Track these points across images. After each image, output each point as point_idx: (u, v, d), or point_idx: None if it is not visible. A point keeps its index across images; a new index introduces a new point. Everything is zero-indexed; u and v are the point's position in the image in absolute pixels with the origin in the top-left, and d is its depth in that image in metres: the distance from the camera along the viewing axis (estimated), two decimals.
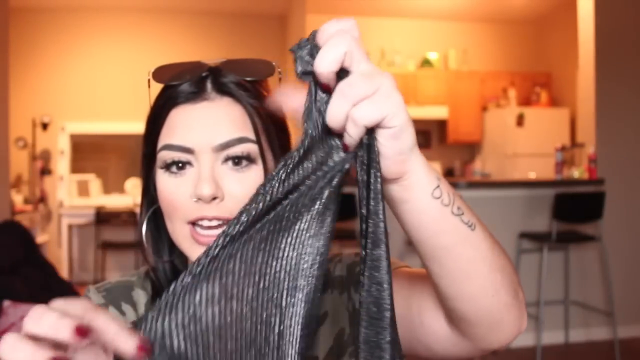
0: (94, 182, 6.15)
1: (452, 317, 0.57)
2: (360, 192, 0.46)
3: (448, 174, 6.52)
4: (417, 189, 0.50)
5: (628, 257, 3.92)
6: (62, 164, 6.10)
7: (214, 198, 0.61)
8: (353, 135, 0.43)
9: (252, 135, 0.63)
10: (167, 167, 0.63)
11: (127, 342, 0.39)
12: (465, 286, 0.52)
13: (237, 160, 0.62)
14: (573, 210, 3.47)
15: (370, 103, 0.42)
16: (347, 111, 0.42)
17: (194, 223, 0.63)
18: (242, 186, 0.62)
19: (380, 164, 0.46)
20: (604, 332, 3.84)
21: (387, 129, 0.44)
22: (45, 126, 5.97)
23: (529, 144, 5.95)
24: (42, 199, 5.81)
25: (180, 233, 0.64)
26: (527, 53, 6.79)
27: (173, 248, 0.70)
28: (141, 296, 0.73)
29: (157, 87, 0.68)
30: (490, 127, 6.34)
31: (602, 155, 3.88)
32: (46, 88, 6.04)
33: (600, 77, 3.92)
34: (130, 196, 5.94)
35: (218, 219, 0.62)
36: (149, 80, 0.68)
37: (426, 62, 6.39)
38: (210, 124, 0.62)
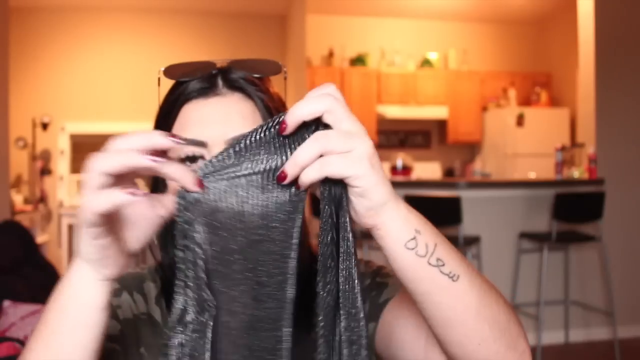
0: None
1: (447, 356, 0.59)
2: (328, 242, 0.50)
3: (448, 174, 6.53)
4: (389, 239, 0.52)
5: (628, 257, 3.92)
6: (62, 164, 6.10)
7: None
8: (310, 177, 0.47)
9: None
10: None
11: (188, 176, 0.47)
12: (449, 332, 0.54)
13: None
14: (573, 210, 3.47)
15: (339, 158, 0.47)
16: (314, 156, 0.47)
17: None
18: None
19: (352, 213, 0.51)
20: (604, 332, 3.84)
21: (353, 187, 0.48)
22: (45, 126, 5.97)
23: (529, 144, 5.95)
24: (42, 199, 5.81)
25: None
26: (527, 53, 6.79)
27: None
28: (152, 288, 0.74)
29: (165, 87, 0.69)
30: (490, 127, 6.34)
31: (602, 155, 3.88)
32: (46, 88, 6.04)
33: (600, 77, 3.92)
34: None
35: None
36: (159, 79, 0.68)
37: (426, 62, 6.39)
38: (222, 119, 0.64)
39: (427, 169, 6.18)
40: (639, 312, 3.93)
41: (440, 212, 3.43)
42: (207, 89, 0.65)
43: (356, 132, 0.48)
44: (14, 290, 2.60)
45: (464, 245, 3.36)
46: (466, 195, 3.55)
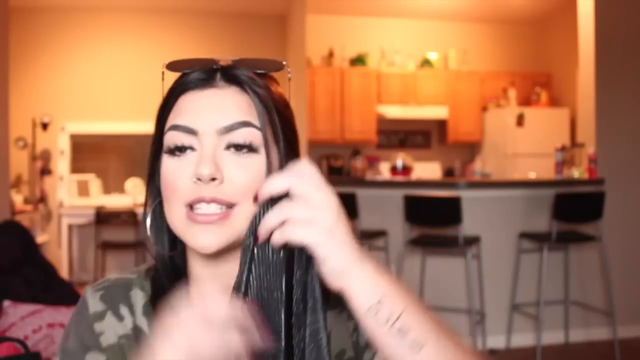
0: (94, 182, 6.15)
1: None
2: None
3: (448, 174, 6.53)
4: (353, 303, 0.54)
5: (628, 257, 3.92)
6: (62, 164, 6.10)
7: (213, 179, 0.62)
8: (275, 239, 0.53)
9: (256, 122, 0.64)
10: (171, 151, 0.65)
11: None
12: None
13: (238, 147, 0.63)
14: (573, 210, 3.46)
15: (298, 227, 0.52)
16: (277, 222, 0.53)
17: (191, 207, 0.63)
18: (242, 172, 0.63)
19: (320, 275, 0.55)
20: (604, 332, 3.84)
21: (315, 253, 0.53)
22: (45, 126, 5.96)
23: (529, 144, 5.95)
24: (42, 199, 5.81)
25: (176, 215, 0.64)
26: (527, 53, 6.79)
27: (174, 240, 0.71)
28: (139, 297, 0.71)
29: (169, 82, 0.70)
30: (490, 127, 6.34)
31: (602, 155, 3.88)
32: (46, 88, 6.04)
33: (600, 77, 3.92)
34: (130, 196, 5.94)
35: (216, 201, 0.62)
36: (163, 73, 0.69)
37: (426, 62, 6.39)
38: (215, 108, 0.64)
39: (427, 169, 6.18)
40: (639, 312, 3.93)
41: (440, 212, 3.43)
42: (205, 81, 0.66)
43: (320, 203, 0.53)
44: (14, 290, 2.60)
45: (464, 245, 3.36)
46: (466, 195, 3.54)
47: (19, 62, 5.68)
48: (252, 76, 0.66)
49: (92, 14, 6.10)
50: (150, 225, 0.70)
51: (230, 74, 0.66)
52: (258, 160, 0.64)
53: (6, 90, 3.78)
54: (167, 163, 0.65)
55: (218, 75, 0.66)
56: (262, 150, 0.64)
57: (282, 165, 0.66)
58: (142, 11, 6.18)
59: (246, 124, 0.64)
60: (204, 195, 0.62)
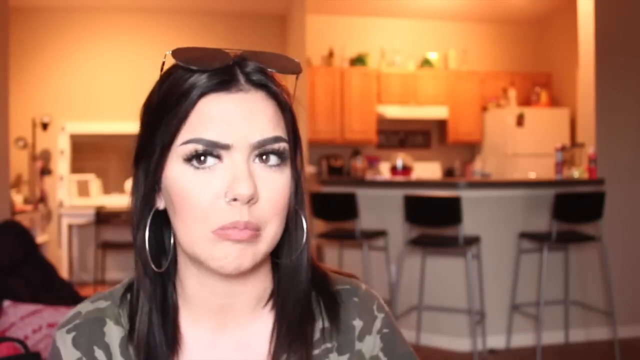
0: (94, 182, 6.15)
1: None
2: None
3: (448, 174, 6.53)
4: None
5: (628, 257, 3.92)
6: (62, 164, 6.10)
7: (251, 198, 0.56)
8: None
9: (284, 134, 0.60)
10: (193, 158, 0.56)
11: None
12: None
13: (267, 158, 0.58)
14: (573, 210, 3.46)
15: None
16: None
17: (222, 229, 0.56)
18: (272, 191, 0.58)
19: None
20: (604, 332, 3.84)
21: None
22: (45, 126, 5.96)
23: (529, 144, 5.95)
24: (42, 199, 5.81)
25: (200, 240, 0.57)
26: (527, 53, 6.79)
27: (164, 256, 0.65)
28: (114, 334, 0.64)
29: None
30: (490, 127, 6.34)
31: (602, 155, 3.88)
32: (46, 88, 6.04)
33: (600, 77, 3.92)
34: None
35: (249, 227, 0.56)
36: (163, 63, 0.61)
37: (426, 62, 6.39)
38: (247, 118, 0.57)
39: (427, 169, 6.18)
40: (639, 312, 3.93)
41: (440, 212, 3.43)
42: (228, 82, 0.58)
43: None
44: (14, 290, 2.60)
45: (464, 245, 3.36)
46: (466, 195, 3.54)
47: (19, 62, 5.68)
48: (272, 77, 0.61)
49: (92, 14, 6.10)
50: (150, 240, 0.62)
51: (252, 74, 0.59)
52: (285, 175, 0.59)
53: (6, 90, 3.78)
54: (184, 172, 0.57)
55: (240, 75, 0.59)
56: (288, 162, 0.60)
57: (300, 173, 0.63)
58: (142, 11, 6.18)
59: (277, 139, 0.58)
60: (239, 220, 0.55)
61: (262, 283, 0.66)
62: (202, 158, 0.56)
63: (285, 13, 6.32)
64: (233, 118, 0.56)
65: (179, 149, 0.57)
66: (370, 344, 0.67)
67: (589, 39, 3.98)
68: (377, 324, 0.68)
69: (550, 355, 3.61)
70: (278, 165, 0.58)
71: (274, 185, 0.58)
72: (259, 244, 0.57)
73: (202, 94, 0.57)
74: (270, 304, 0.66)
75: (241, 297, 0.64)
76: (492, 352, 3.65)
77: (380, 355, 0.67)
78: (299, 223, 0.64)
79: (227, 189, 0.55)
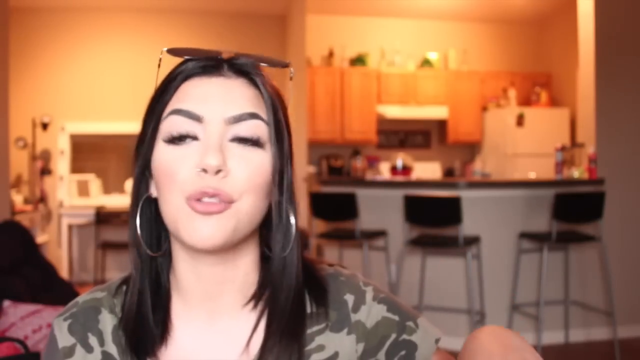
0: (94, 182, 6.15)
1: None
2: None
3: (448, 174, 6.53)
4: None
5: (628, 257, 3.92)
6: (62, 164, 6.10)
7: (219, 171, 0.58)
8: None
9: (264, 115, 0.62)
10: (172, 139, 0.60)
11: None
12: None
13: (245, 140, 0.60)
14: (573, 210, 3.46)
15: None
16: None
17: (192, 199, 0.58)
18: (246, 167, 0.60)
19: None
20: (604, 332, 3.84)
21: None
22: (45, 126, 5.96)
23: (529, 144, 5.95)
24: (42, 199, 5.81)
25: (174, 206, 0.59)
26: (527, 53, 6.79)
27: (159, 242, 0.67)
28: (107, 321, 0.66)
29: (164, 70, 0.67)
30: (490, 127, 6.34)
31: (602, 155, 3.88)
32: (46, 88, 6.04)
33: (600, 77, 3.92)
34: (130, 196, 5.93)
35: (219, 194, 0.58)
36: (160, 59, 0.65)
37: (426, 62, 6.39)
38: (223, 96, 0.60)
39: (427, 169, 6.18)
40: (639, 312, 3.93)
41: (440, 212, 3.43)
42: (211, 68, 0.62)
43: None
44: (14, 290, 2.60)
45: (464, 245, 3.36)
46: (466, 195, 3.54)
47: (19, 62, 5.68)
48: (259, 69, 0.64)
49: (92, 14, 6.10)
50: (140, 224, 0.65)
51: (237, 65, 0.63)
52: (262, 156, 0.61)
53: (6, 90, 3.78)
54: (165, 151, 0.60)
55: (225, 65, 0.63)
56: (268, 147, 0.62)
57: (284, 164, 0.63)
58: (142, 11, 6.18)
59: (255, 115, 0.61)
60: (208, 189, 0.57)
61: (251, 274, 0.67)
62: (182, 138, 0.60)
63: (285, 13, 6.32)
64: (210, 95, 0.60)
65: (163, 127, 0.61)
66: (368, 312, 0.68)
67: (589, 39, 3.98)
68: (369, 294, 0.69)
69: (550, 355, 3.60)
70: (253, 145, 0.60)
71: (249, 162, 0.60)
72: (231, 219, 0.59)
73: (185, 78, 0.62)
74: (261, 297, 0.67)
75: (229, 286, 0.65)
76: None
77: (390, 315, 0.68)
78: (288, 217, 0.65)
79: (199, 161, 0.58)
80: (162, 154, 0.61)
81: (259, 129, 0.61)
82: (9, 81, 3.92)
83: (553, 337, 3.79)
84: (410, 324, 0.68)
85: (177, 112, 0.60)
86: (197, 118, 0.59)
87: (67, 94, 6.06)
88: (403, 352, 0.66)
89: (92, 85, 6.07)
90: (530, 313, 3.70)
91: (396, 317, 0.68)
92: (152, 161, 0.62)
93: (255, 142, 0.61)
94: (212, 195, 0.58)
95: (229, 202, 0.58)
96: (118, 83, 6.04)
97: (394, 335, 0.67)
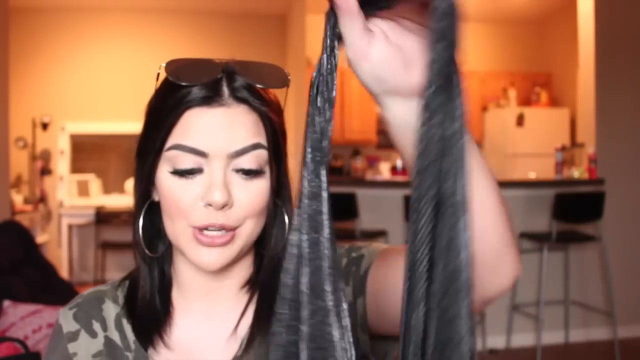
0: (94, 182, 6.15)
1: None
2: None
3: None
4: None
5: (628, 257, 3.92)
6: (62, 164, 6.10)
7: (224, 205, 0.62)
8: None
9: (264, 142, 0.64)
10: (179, 173, 0.63)
11: None
12: (480, 219, 0.46)
13: (247, 171, 0.64)
14: (573, 210, 3.46)
15: None
16: None
17: (199, 229, 0.63)
18: (248, 195, 0.64)
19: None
20: (604, 332, 3.84)
21: None
22: (45, 126, 5.97)
23: (529, 144, 5.95)
24: (42, 199, 5.81)
25: (181, 233, 0.64)
26: (527, 53, 6.78)
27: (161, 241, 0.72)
28: (111, 310, 0.72)
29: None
30: (490, 127, 6.34)
31: (602, 155, 3.88)
32: (46, 88, 6.04)
33: (600, 77, 3.92)
34: (130, 196, 5.93)
35: (225, 227, 0.63)
36: (158, 74, 0.66)
37: None
38: (226, 131, 0.62)
39: None
40: (639, 312, 3.93)
41: None
42: (212, 98, 0.63)
43: None
44: (14, 290, 2.60)
45: None
46: None
47: (19, 62, 5.68)
48: (258, 91, 0.65)
49: (92, 14, 6.10)
50: (144, 229, 0.69)
51: (236, 89, 0.64)
52: (263, 182, 0.65)
53: (6, 90, 3.78)
54: (171, 182, 0.64)
55: (225, 90, 0.63)
56: (267, 168, 0.65)
57: (282, 183, 0.67)
58: (142, 11, 6.18)
59: (257, 146, 0.63)
60: (214, 222, 0.62)
61: (248, 269, 0.72)
62: (190, 172, 0.63)
63: (285, 13, 6.31)
64: (213, 130, 0.62)
65: (166, 156, 0.64)
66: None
67: (589, 39, 3.97)
68: (340, 251, 0.71)
69: (550, 355, 3.61)
70: (256, 173, 0.64)
71: (251, 191, 0.64)
72: (234, 244, 0.64)
73: (186, 108, 0.63)
74: (253, 291, 0.71)
75: (227, 282, 0.71)
76: (492, 352, 3.65)
77: (343, 251, 0.70)
78: (282, 219, 0.69)
79: (204, 194, 0.62)
80: (166, 181, 0.64)
81: (260, 157, 0.64)
82: (9, 81, 3.93)
83: (553, 337, 3.79)
84: (357, 245, 0.71)
85: (182, 147, 0.62)
86: (202, 154, 0.62)
87: (67, 94, 6.06)
88: (353, 268, 0.69)
89: (92, 85, 6.07)
90: (530, 313, 3.70)
91: (342, 248, 0.71)
92: (156, 178, 0.66)
93: (256, 172, 0.64)
94: (219, 228, 0.63)
95: (233, 230, 0.64)
96: (118, 83, 6.04)
97: (345, 261, 0.70)
